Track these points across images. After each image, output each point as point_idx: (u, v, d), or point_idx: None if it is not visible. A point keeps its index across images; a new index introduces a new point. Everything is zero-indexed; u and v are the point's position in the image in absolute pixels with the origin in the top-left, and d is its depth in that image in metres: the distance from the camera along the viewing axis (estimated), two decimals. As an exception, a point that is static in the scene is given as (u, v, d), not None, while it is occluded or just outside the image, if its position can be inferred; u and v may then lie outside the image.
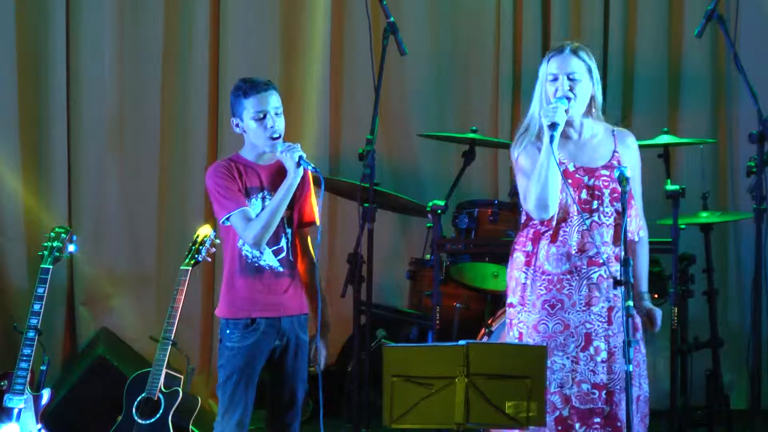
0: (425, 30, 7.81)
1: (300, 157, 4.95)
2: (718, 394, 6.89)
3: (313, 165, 4.98)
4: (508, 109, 7.79)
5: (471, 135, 6.99)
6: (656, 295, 6.87)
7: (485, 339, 6.22)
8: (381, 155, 6.99)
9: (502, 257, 6.62)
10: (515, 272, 5.02)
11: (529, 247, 4.99)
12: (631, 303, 4.73)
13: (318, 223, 5.15)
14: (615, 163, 4.95)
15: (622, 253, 4.76)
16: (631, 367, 4.70)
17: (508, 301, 5.06)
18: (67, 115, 7.46)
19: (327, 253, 7.72)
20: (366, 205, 6.19)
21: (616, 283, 4.79)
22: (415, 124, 7.77)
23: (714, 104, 7.79)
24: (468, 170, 7.15)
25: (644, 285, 5.07)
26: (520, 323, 4.98)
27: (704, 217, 6.86)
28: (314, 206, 5.14)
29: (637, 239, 5.00)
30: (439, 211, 6.40)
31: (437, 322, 6.38)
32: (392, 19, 6.29)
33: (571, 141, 4.99)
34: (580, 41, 7.59)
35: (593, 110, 4.99)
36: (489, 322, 6.34)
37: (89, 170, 7.54)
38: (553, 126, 4.80)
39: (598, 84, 4.97)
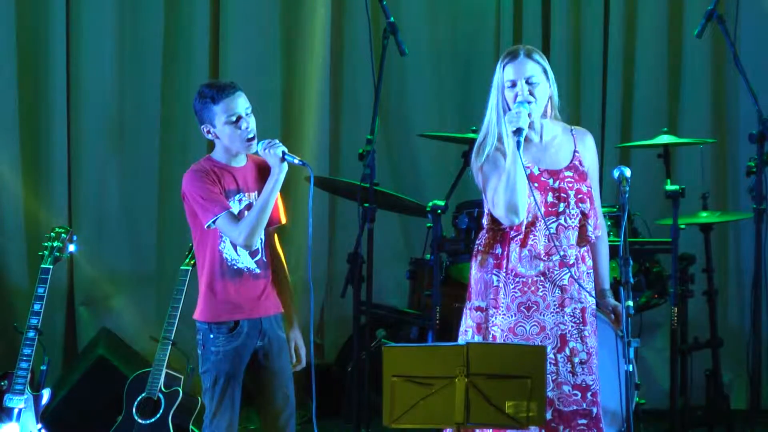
0: (425, 30, 7.81)
1: (283, 152, 4.92)
2: (718, 394, 6.89)
3: (298, 158, 4.96)
4: (508, 109, 7.79)
5: (471, 135, 6.99)
6: (656, 295, 6.88)
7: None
8: (381, 155, 6.99)
9: (502, 257, 6.64)
10: (486, 275, 4.98)
11: (498, 250, 4.97)
12: (630, 303, 4.73)
13: (284, 221, 5.14)
14: (577, 163, 4.95)
15: (621, 253, 4.78)
16: (631, 367, 4.72)
17: (475, 305, 5.01)
18: (67, 115, 7.46)
19: (327, 253, 7.72)
20: (366, 205, 6.19)
21: (616, 283, 4.80)
22: (415, 124, 7.77)
23: (714, 104, 7.78)
24: (468, 170, 7.13)
25: (606, 283, 5.06)
26: (494, 326, 4.95)
27: (704, 217, 6.86)
28: (280, 206, 5.12)
29: (593, 239, 4.98)
30: (439, 211, 6.40)
31: (437, 322, 6.37)
32: (392, 19, 6.28)
33: (534, 144, 4.98)
34: (580, 41, 7.70)
35: (551, 111, 4.98)
36: (489, 322, 6.34)
37: (89, 170, 7.54)
38: (518, 131, 4.81)
39: (554, 84, 4.97)
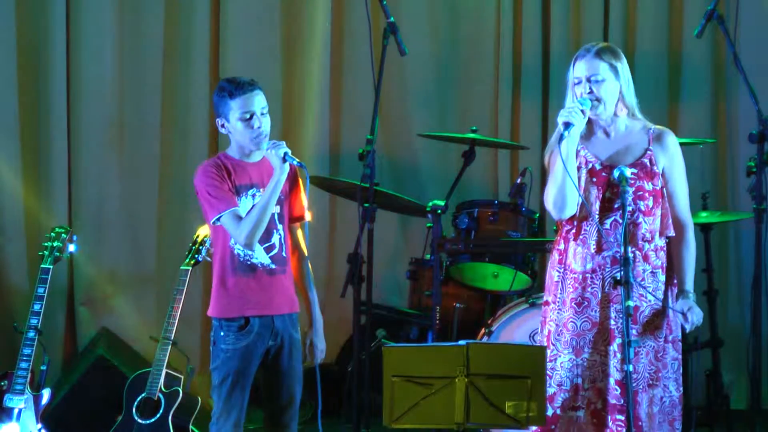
0: (425, 30, 7.81)
1: (285, 153, 4.94)
2: (718, 394, 6.89)
3: (298, 160, 4.97)
4: (508, 109, 7.80)
5: (471, 135, 6.99)
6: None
7: (485, 339, 6.22)
8: (381, 155, 6.99)
9: (502, 257, 6.66)
10: (551, 271, 5.07)
11: (562, 246, 5.04)
12: (631, 303, 4.74)
13: (309, 218, 5.14)
14: (646, 161, 4.95)
15: (622, 252, 4.78)
16: (630, 367, 4.71)
17: (543, 299, 5.13)
18: (67, 115, 7.46)
19: (327, 253, 7.73)
20: (366, 205, 6.19)
21: (616, 282, 4.81)
22: (415, 124, 7.77)
23: (714, 104, 7.79)
24: (468, 170, 7.14)
25: (685, 284, 5.00)
26: (551, 322, 5.03)
27: (704, 217, 6.86)
28: (304, 201, 5.13)
29: (659, 241, 4.96)
30: (439, 211, 6.41)
31: (437, 322, 6.38)
32: (392, 19, 6.29)
33: (600, 140, 5.02)
34: (580, 41, 7.70)
35: (625, 108, 4.99)
36: (489, 322, 6.35)
37: (89, 170, 7.54)
38: (566, 125, 4.84)
39: (626, 82, 4.98)
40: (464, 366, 4.55)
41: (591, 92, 4.93)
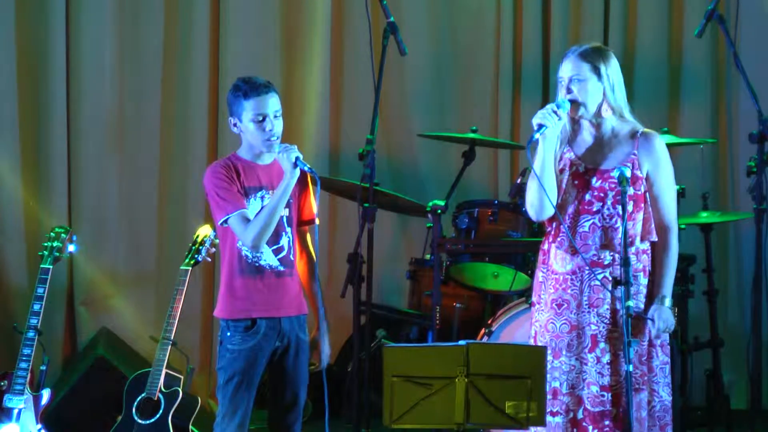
0: (425, 30, 7.81)
1: (297, 158, 4.94)
2: (718, 394, 6.89)
3: (309, 166, 4.98)
4: (508, 109, 7.80)
5: (471, 135, 7.00)
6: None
7: (485, 339, 6.22)
8: (381, 155, 6.99)
9: (502, 257, 6.67)
10: (537, 272, 5.06)
11: (546, 246, 5.03)
12: (631, 303, 4.73)
13: (317, 221, 5.15)
14: (629, 164, 4.91)
15: (622, 253, 4.77)
16: (630, 368, 4.71)
17: (531, 300, 5.14)
18: (67, 115, 7.46)
19: (327, 253, 7.72)
20: (366, 205, 6.19)
21: (616, 282, 4.80)
22: (415, 124, 7.77)
23: (714, 104, 7.79)
24: (468, 170, 7.15)
25: (661, 289, 4.96)
26: (536, 322, 5.02)
27: (704, 217, 6.86)
28: (313, 205, 5.13)
29: (641, 244, 4.93)
30: (439, 211, 6.41)
31: (437, 322, 6.38)
32: (392, 19, 6.29)
33: (587, 142, 4.99)
34: (580, 41, 7.69)
35: (610, 110, 4.95)
36: (489, 322, 6.35)
37: (89, 170, 7.54)
38: (539, 127, 4.82)
39: (610, 83, 4.92)
40: (464, 366, 4.54)
41: (570, 92, 4.91)
